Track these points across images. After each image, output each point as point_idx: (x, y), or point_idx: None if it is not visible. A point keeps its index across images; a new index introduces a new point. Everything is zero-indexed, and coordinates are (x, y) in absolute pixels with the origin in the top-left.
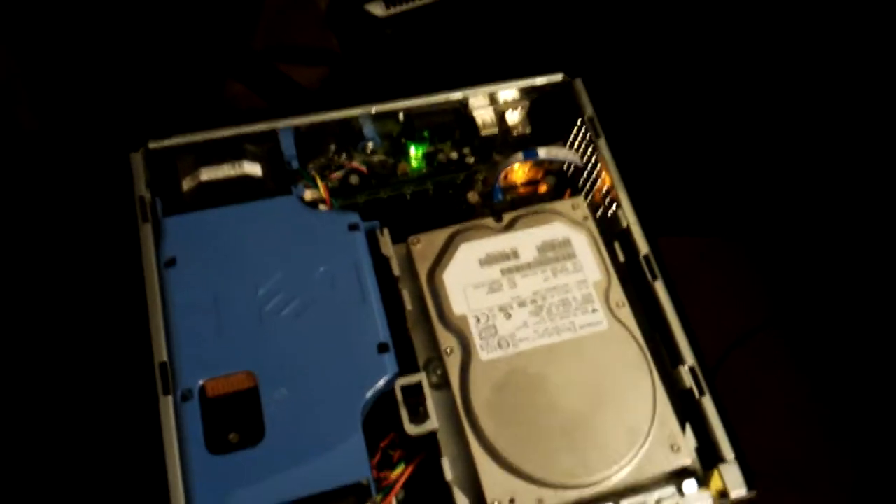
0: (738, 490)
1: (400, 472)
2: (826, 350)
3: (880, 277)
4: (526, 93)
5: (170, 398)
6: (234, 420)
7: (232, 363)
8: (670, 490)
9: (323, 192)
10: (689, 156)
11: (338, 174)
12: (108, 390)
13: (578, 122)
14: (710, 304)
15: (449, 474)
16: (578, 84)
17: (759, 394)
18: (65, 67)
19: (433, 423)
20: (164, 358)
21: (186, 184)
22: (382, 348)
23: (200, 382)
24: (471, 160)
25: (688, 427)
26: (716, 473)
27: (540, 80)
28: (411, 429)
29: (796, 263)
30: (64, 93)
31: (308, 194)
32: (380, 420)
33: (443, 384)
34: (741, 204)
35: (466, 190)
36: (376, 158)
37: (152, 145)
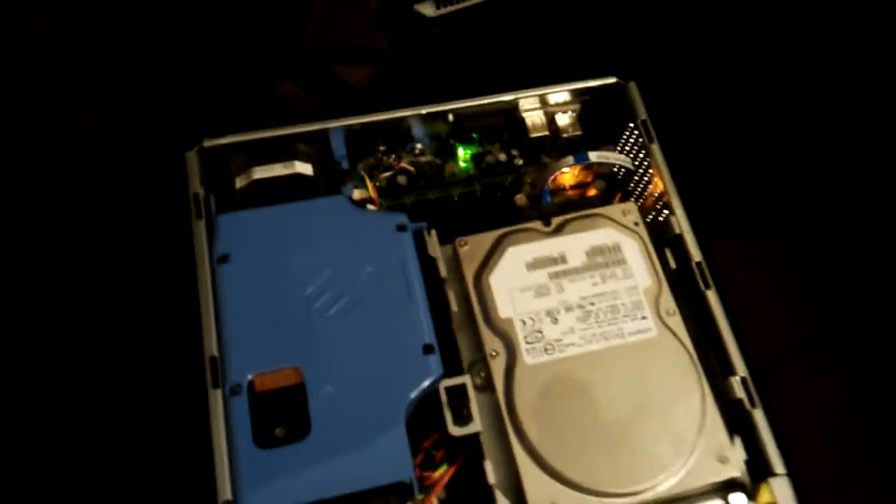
0: None
1: (442, 473)
2: (874, 363)
3: None
4: (577, 95)
5: (219, 392)
6: (281, 415)
7: (280, 359)
8: (718, 502)
9: (371, 192)
10: (743, 159)
11: (386, 174)
12: (159, 384)
13: (630, 126)
14: (761, 311)
15: (492, 477)
16: (632, 87)
17: (804, 404)
18: (122, 67)
19: (477, 425)
20: (215, 352)
21: (239, 182)
22: (428, 349)
23: (249, 377)
24: (519, 162)
25: (737, 439)
26: (765, 487)
27: (592, 83)
28: (455, 430)
29: (849, 272)
30: (121, 92)
31: (357, 194)
32: (423, 420)
33: (487, 387)
34: (796, 209)
35: (514, 192)
36: (424, 159)
37: (207, 144)
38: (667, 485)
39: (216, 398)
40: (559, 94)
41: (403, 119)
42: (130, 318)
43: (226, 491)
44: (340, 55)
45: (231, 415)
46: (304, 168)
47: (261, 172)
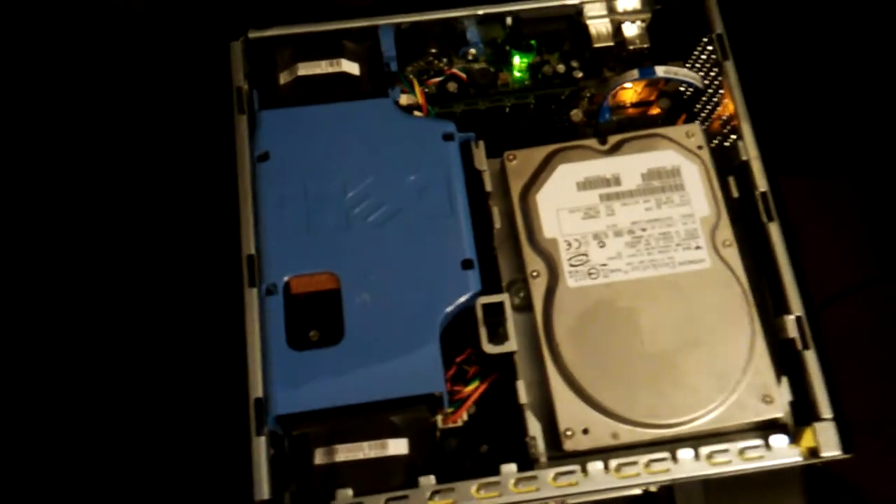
0: (832, 451)
1: (473, 388)
2: None
3: None
4: (649, 3)
5: (255, 291)
6: (316, 319)
7: (317, 263)
8: (757, 441)
9: (420, 97)
10: (823, 90)
11: (435, 80)
12: (197, 282)
13: (704, 41)
14: (823, 249)
15: (523, 397)
16: None
17: (859, 347)
18: None
19: (512, 344)
20: (252, 251)
21: (283, 78)
22: (467, 264)
23: (285, 279)
24: (578, 75)
25: (784, 380)
26: (808, 431)
27: None
28: (489, 348)
29: None
30: None
31: (404, 99)
32: (458, 335)
33: (525, 307)
34: (870, 145)
35: (571, 107)
36: (477, 66)
37: (252, 35)
38: (706, 419)
39: (251, 296)
40: (629, 1)
41: (458, 20)
42: (169, 214)
43: (257, 388)
44: None
45: (266, 314)
46: (351, 67)
47: (306, 69)
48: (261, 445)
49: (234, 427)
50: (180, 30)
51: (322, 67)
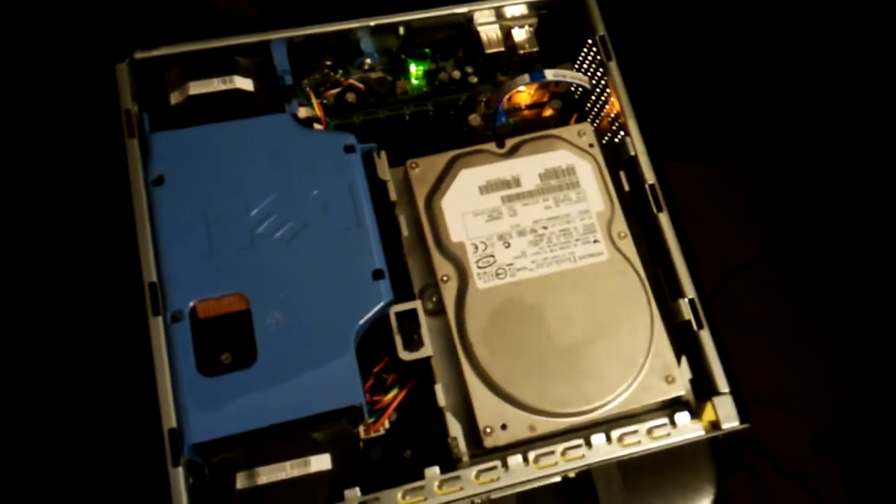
0: (731, 422)
1: (393, 396)
2: (819, 280)
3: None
4: (535, 9)
5: (160, 319)
6: (226, 342)
7: (223, 285)
8: (663, 420)
9: (317, 110)
10: (702, 80)
11: (333, 91)
12: (98, 311)
13: (589, 43)
14: (713, 231)
15: (442, 400)
16: (591, 1)
17: (753, 319)
18: None
19: (427, 349)
20: (154, 278)
21: (174, 98)
22: (377, 275)
23: (191, 304)
24: (474, 80)
25: (683, 359)
26: (709, 405)
27: None
28: (405, 355)
29: (799, 193)
30: None
31: (303, 112)
32: (374, 344)
33: (438, 311)
34: (753, 130)
35: (468, 112)
36: (374, 75)
37: (139, 55)
38: (615, 404)
39: (157, 325)
40: (516, 7)
41: (351, 31)
42: (63, 246)
43: (170, 419)
44: None
45: (173, 342)
46: (245, 83)
47: (197, 87)
48: (178, 476)
49: (153, 459)
50: (61, 51)
51: (214, 85)
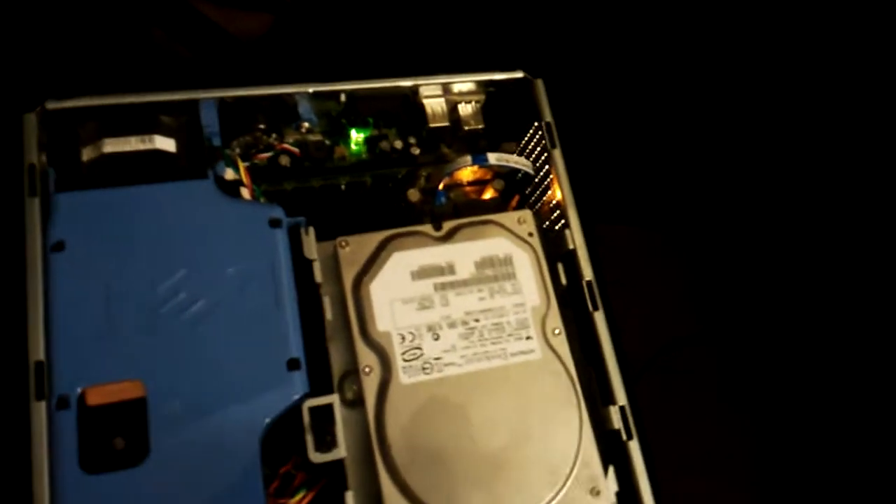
0: None
1: (299, 500)
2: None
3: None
4: (483, 87)
5: (43, 404)
6: (116, 434)
7: (118, 370)
8: None
9: (244, 177)
10: (640, 154)
11: (265, 155)
12: None
13: (535, 125)
14: (648, 303)
15: None
16: (539, 85)
17: (678, 394)
18: None
19: (341, 451)
20: (41, 357)
21: (87, 154)
22: (293, 364)
23: (80, 389)
24: (416, 151)
25: (611, 469)
26: None
27: (499, 76)
28: (316, 457)
29: (728, 272)
30: None
31: (230, 173)
32: (282, 439)
33: (357, 402)
34: (684, 205)
35: (408, 186)
36: (312, 138)
37: (50, 106)
38: None
39: (39, 412)
40: (463, 84)
41: (289, 95)
42: None
43: None
44: None
45: (56, 432)
46: (166, 143)
47: (113, 145)
48: None
49: None
50: None
51: (132, 144)
